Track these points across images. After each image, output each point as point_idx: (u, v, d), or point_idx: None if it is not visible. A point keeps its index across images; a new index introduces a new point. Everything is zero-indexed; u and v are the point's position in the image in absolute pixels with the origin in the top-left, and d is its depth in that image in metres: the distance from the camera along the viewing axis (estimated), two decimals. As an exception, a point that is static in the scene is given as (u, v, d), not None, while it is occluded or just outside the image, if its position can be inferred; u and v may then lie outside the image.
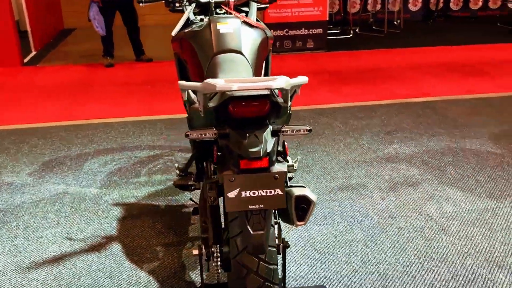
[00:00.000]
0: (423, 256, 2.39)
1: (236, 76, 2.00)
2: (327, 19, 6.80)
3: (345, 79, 5.44)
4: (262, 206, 1.55)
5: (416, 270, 2.30)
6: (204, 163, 2.26)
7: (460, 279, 2.23)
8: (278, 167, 1.63)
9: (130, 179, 3.20)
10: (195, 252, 1.88)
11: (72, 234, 2.61)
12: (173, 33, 2.42)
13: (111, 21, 5.98)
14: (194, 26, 2.32)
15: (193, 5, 2.44)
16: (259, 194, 1.54)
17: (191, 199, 2.46)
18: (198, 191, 2.53)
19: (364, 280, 2.23)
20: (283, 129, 1.69)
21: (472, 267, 2.31)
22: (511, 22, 8.23)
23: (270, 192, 1.55)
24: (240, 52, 2.14)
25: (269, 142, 1.62)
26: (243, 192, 1.53)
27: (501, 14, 9.10)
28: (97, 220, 2.74)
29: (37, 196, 3.00)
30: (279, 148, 1.82)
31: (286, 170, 1.63)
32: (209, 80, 1.54)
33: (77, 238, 2.57)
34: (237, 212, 1.62)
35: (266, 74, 2.56)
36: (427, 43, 7.10)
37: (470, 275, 2.25)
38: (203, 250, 1.86)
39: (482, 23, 8.60)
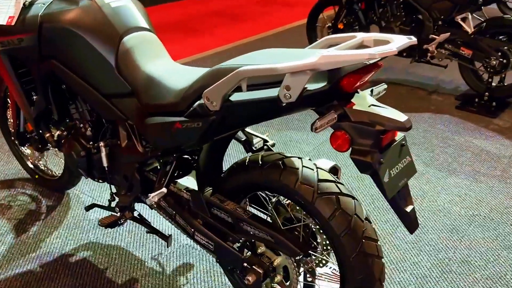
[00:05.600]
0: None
1: (159, 59, 1.69)
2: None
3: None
4: (405, 179, 1.33)
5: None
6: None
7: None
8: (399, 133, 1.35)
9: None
10: (252, 278, 1.52)
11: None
12: (2, 20, 1.84)
13: None
14: (44, 4, 1.79)
15: None
16: (399, 168, 1.31)
17: (148, 232, 1.97)
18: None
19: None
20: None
21: None
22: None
23: (404, 161, 1.33)
24: (148, 30, 1.77)
25: None
26: (391, 172, 1.29)
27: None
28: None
29: None
30: None
31: (404, 134, 1.37)
32: (331, 52, 1.13)
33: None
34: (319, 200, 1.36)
35: None
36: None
37: None
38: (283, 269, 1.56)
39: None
